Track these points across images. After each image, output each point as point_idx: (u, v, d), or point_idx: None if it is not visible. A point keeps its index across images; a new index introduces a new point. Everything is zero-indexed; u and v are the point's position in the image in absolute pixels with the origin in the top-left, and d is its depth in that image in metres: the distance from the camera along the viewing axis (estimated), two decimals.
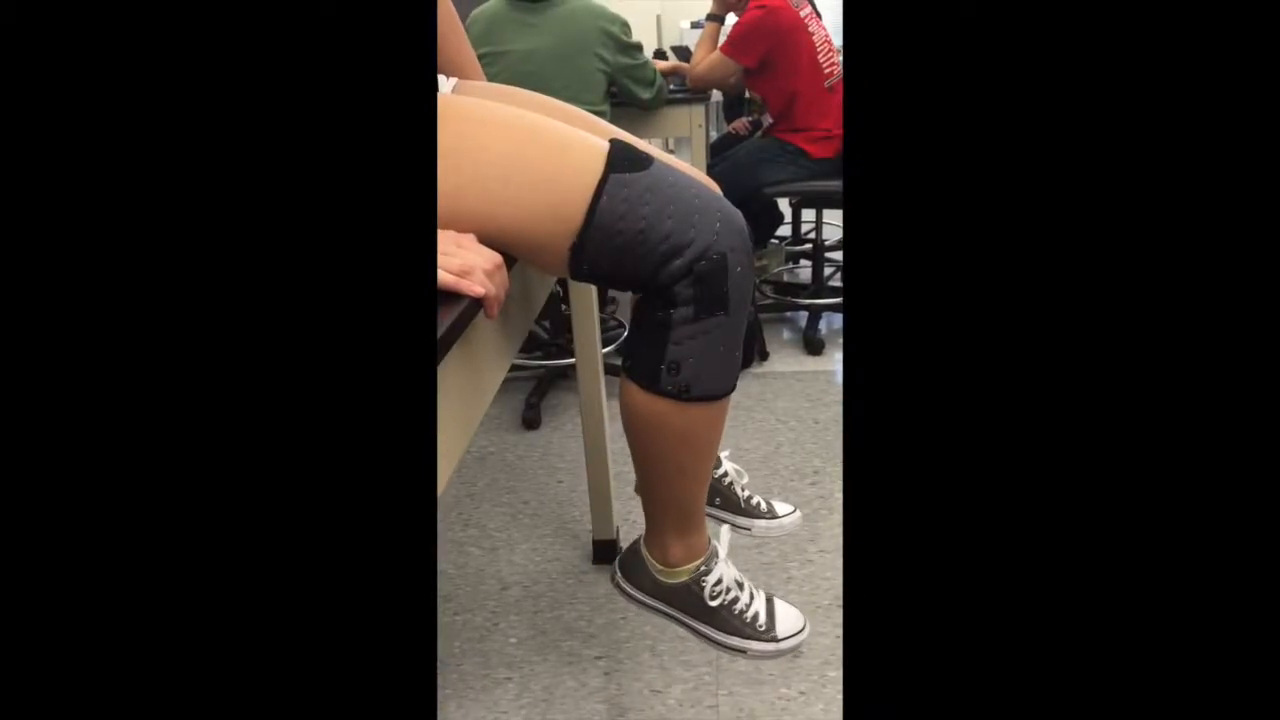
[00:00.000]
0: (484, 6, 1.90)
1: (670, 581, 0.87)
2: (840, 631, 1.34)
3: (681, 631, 1.36)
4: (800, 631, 0.92)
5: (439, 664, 1.34)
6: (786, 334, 2.61)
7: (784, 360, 2.41)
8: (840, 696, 1.21)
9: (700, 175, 0.88)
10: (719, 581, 0.87)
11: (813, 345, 2.47)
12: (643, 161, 0.68)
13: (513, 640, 1.39)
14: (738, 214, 0.72)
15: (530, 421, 2.15)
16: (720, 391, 0.75)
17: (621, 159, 0.68)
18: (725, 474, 1.15)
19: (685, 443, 0.77)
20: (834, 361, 2.38)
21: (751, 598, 0.90)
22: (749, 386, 2.26)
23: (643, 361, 0.74)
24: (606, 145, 0.68)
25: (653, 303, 0.72)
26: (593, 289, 1.42)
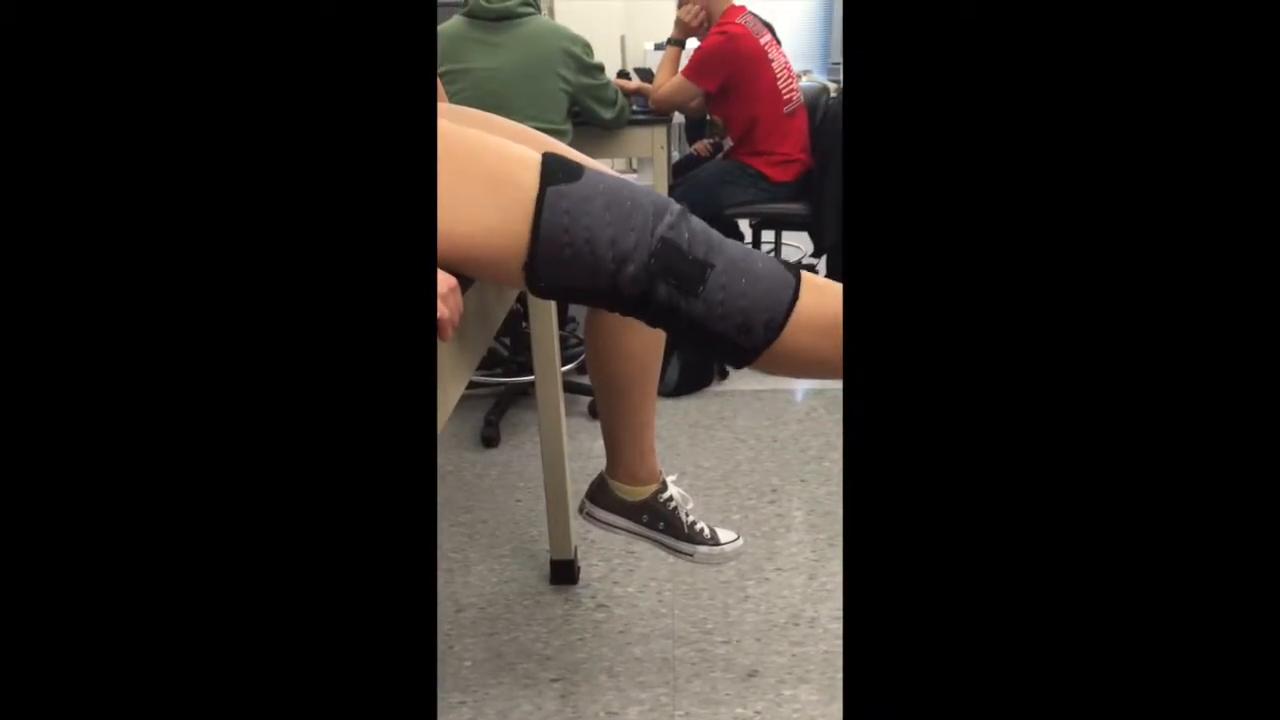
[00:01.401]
0: (445, 24, 1.90)
1: None
2: (796, 650, 1.34)
3: (638, 652, 1.35)
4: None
5: None
6: None
7: (744, 379, 2.42)
8: (796, 716, 1.21)
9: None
10: None
11: None
12: (575, 172, 0.68)
13: (467, 663, 1.37)
14: (665, 198, 0.71)
15: (489, 439, 2.13)
16: (790, 292, 0.70)
17: (555, 171, 0.67)
18: (670, 499, 1.15)
19: (831, 334, 0.71)
20: (794, 381, 2.40)
21: None
22: (708, 405, 2.26)
23: (730, 355, 0.71)
24: (539, 158, 0.68)
25: (669, 324, 0.70)
26: (552, 306, 1.42)
